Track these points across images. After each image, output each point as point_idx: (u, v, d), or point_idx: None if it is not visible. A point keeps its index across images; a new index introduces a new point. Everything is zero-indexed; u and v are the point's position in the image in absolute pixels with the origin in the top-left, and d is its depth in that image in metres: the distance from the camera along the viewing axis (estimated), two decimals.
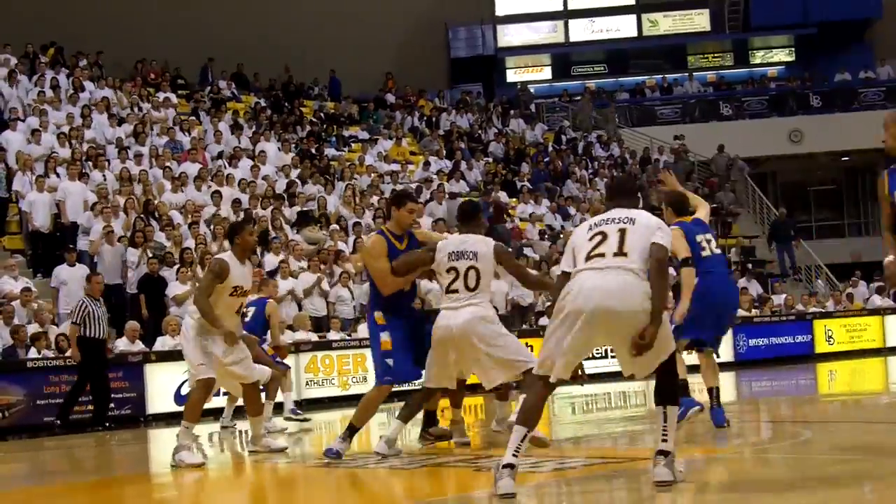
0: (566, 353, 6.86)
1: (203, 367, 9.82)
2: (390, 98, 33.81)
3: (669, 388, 7.00)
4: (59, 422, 15.41)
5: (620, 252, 6.86)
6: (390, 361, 9.28)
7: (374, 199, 24.60)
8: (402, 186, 25.74)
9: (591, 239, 7.03)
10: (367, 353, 17.78)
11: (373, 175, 26.22)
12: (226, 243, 19.85)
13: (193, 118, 26.59)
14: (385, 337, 9.27)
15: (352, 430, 9.42)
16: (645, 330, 6.69)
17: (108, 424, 15.62)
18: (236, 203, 21.66)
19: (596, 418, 13.80)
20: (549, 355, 6.93)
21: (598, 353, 20.61)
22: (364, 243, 9.61)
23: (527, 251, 24.21)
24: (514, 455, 6.77)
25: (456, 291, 9.01)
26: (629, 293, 6.74)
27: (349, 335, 19.41)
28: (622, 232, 6.94)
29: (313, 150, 27.26)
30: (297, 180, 24.37)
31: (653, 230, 6.96)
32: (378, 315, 9.38)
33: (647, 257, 6.87)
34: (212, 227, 20.63)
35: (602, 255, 6.89)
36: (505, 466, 6.75)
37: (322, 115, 30.97)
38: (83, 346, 15.26)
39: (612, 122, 36.05)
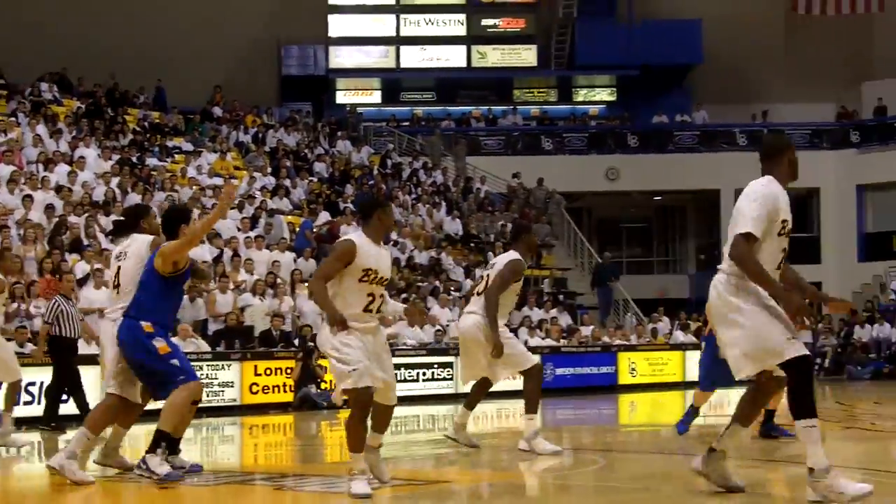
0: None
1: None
2: (217, 111, 33.55)
3: (792, 404, 7.02)
4: (52, 424, 14.87)
5: None
6: (176, 361, 8.91)
7: (196, 212, 24.36)
8: None
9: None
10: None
11: (195, 188, 25.98)
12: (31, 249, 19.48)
13: (13, 119, 25.97)
14: (160, 343, 8.87)
15: (169, 440, 8.89)
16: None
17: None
18: (49, 208, 21.25)
19: (403, 440, 13.99)
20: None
21: (411, 376, 20.92)
22: (160, 243, 9.23)
23: None
24: (717, 440, 7.44)
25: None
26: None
27: None
28: None
29: (135, 159, 26.88)
30: (115, 189, 23.99)
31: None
32: (147, 325, 8.89)
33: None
34: (21, 231, 20.16)
35: None
36: (710, 450, 7.41)
37: (146, 124, 30.54)
38: (57, 346, 14.77)
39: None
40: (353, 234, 8.31)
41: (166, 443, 8.87)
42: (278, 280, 21.97)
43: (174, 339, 9.78)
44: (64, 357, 14.98)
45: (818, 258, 37.72)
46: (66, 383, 15.23)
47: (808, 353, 6.95)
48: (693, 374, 26.03)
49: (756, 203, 6.98)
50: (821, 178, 37.15)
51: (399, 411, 17.76)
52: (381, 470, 8.33)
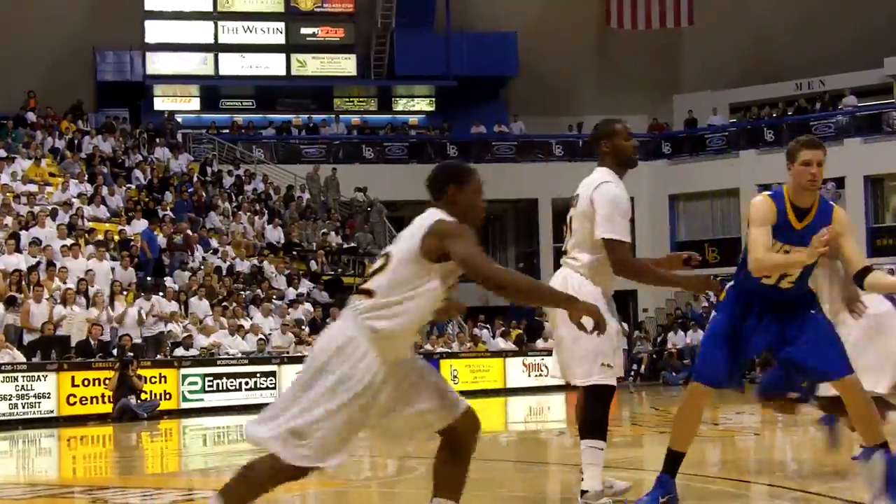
0: None
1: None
2: (31, 117, 32.72)
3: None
4: None
5: None
6: None
7: (8, 219, 23.81)
8: (39, 208, 24.99)
9: None
10: None
11: (7, 194, 25.36)
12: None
13: None
14: None
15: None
16: None
17: None
18: None
19: (225, 450, 13.95)
20: None
21: (233, 386, 20.78)
22: None
23: (167, 281, 24.13)
24: None
25: None
26: None
27: None
28: None
29: None
30: None
31: None
32: None
33: None
34: None
35: None
36: None
37: None
38: None
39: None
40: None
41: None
42: (95, 289, 21.62)
43: None
44: None
45: None
46: None
47: None
48: (513, 381, 26.67)
49: None
50: (634, 188, 38.14)
51: (221, 421, 17.71)
52: None
